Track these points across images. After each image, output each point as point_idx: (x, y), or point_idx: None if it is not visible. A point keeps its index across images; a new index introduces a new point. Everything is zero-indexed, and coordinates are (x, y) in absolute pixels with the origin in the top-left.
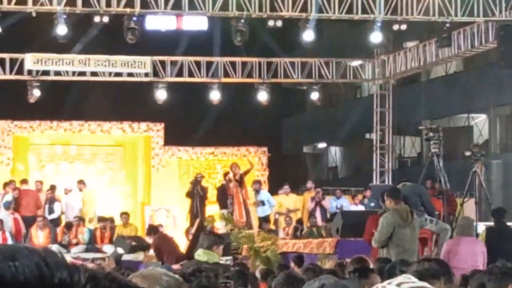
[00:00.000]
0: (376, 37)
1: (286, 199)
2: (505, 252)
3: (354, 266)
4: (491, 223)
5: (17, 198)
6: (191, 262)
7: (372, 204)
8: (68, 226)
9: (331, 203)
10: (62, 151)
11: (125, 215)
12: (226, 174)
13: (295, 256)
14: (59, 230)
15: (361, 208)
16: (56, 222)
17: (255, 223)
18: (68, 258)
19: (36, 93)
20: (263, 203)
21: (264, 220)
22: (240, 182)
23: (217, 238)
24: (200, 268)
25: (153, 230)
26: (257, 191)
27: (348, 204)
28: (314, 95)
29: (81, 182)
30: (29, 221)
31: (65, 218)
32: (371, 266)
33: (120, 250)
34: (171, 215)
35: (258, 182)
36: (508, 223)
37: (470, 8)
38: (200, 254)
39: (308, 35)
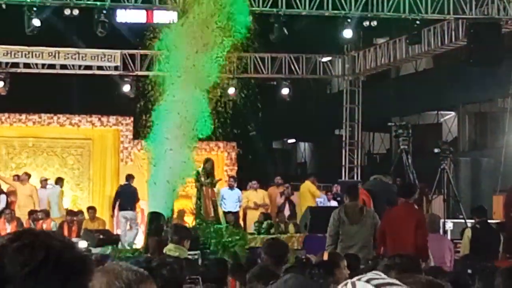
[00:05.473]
0: (346, 33)
1: (254, 194)
2: (492, 252)
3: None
4: (460, 220)
5: None
6: (162, 257)
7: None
8: (34, 219)
9: None
10: (30, 144)
11: (91, 209)
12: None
13: (259, 252)
14: (25, 223)
15: (334, 204)
16: None
17: (222, 219)
18: None
19: (5, 85)
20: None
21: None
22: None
23: (187, 231)
24: (164, 261)
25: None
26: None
27: (325, 200)
28: (284, 91)
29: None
30: None
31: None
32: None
33: (83, 244)
34: (139, 209)
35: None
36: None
37: (441, 6)
38: (172, 249)
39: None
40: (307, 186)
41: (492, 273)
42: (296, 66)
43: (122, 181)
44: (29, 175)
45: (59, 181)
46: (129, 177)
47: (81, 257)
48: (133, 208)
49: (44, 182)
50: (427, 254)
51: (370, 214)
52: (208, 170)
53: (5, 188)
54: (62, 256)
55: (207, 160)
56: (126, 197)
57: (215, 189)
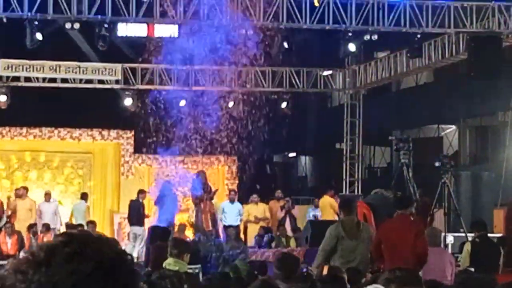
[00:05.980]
0: (347, 47)
1: (255, 208)
2: (491, 265)
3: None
4: (461, 234)
5: None
6: (161, 271)
7: None
8: (35, 233)
9: (308, 212)
10: (31, 157)
11: (91, 224)
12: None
13: (257, 265)
14: (25, 237)
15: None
16: None
17: (221, 233)
18: None
19: (6, 99)
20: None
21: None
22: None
23: (186, 245)
24: (163, 274)
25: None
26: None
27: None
28: (284, 104)
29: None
30: None
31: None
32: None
33: None
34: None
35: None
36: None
37: (441, 19)
38: (171, 263)
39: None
40: (328, 200)
41: (473, 283)
42: (297, 80)
43: (123, 195)
44: (27, 189)
45: (84, 196)
46: (139, 193)
47: (129, 270)
48: (140, 224)
49: (47, 196)
50: (426, 261)
51: (366, 229)
52: (202, 183)
53: (4, 202)
54: (112, 268)
55: (199, 173)
56: (133, 213)
57: (213, 202)
